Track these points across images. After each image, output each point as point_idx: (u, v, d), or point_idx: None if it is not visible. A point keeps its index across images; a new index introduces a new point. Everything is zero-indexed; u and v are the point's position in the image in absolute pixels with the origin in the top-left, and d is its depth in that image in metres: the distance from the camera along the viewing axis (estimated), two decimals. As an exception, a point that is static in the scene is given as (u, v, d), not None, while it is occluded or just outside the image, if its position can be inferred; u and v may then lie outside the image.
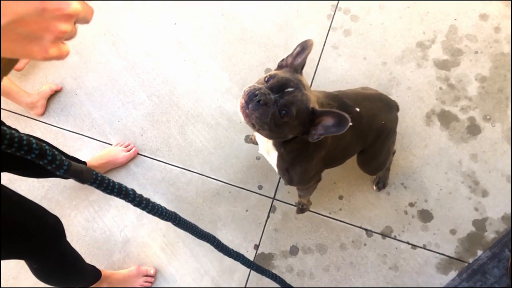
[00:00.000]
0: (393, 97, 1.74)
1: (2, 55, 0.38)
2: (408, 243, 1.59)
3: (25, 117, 1.93)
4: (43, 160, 0.50)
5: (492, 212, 1.58)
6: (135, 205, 0.65)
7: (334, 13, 1.92)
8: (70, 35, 0.41)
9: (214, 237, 0.81)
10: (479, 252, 1.54)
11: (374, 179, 1.65)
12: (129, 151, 1.80)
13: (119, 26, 2.00)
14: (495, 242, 1.52)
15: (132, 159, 1.81)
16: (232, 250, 0.83)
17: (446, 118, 1.71)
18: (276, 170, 1.26)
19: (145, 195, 1.80)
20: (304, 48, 1.06)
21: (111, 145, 1.84)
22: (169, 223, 1.73)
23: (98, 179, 0.58)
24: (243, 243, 1.66)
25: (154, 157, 1.81)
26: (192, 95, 1.88)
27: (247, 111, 0.96)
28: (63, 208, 1.79)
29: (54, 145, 1.60)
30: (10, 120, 1.92)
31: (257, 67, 1.89)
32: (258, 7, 1.97)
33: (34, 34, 0.38)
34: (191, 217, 1.71)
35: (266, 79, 1.00)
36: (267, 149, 1.22)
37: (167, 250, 1.70)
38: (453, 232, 1.58)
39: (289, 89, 0.96)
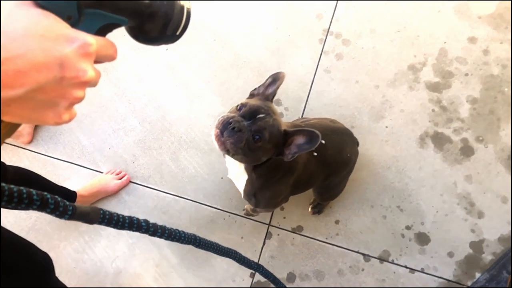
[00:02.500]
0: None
1: (19, 121, 0.42)
2: (406, 267, 1.71)
3: (12, 146, 2.05)
4: (45, 209, 0.51)
5: (488, 234, 1.72)
6: (151, 234, 0.68)
7: (326, 38, 2.10)
8: (81, 100, 0.45)
9: (235, 252, 0.89)
10: (477, 275, 1.66)
11: (313, 200, 1.79)
12: (120, 178, 1.91)
13: (110, 52, 2.14)
14: (492, 264, 1.64)
15: (123, 187, 1.92)
16: (253, 261, 0.93)
17: (439, 140, 1.86)
18: (242, 194, 1.40)
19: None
20: (275, 79, 1.22)
21: (102, 173, 1.96)
22: (163, 254, 1.83)
23: (106, 217, 0.61)
24: (238, 271, 1.76)
25: (146, 185, 1.93)
26: (185, 120, 2.02)
27: (222, 139, 1.09)
28: (52, 239, 1.89)
29: (43, 174, 1.70)
30: (-3, 149, 2.03)
31: (250, 91, 2.04)
32: (250, 32, 2.15)
33: (52, 101, 0.42)
34: (184, 246, 1.80)
35: (238, 107, 1.14)
36: (237, 174, 1.34)
37: (161, 281, 1.79)
38: (450, 254, 1.71)
39: (261, 115, 1.10)
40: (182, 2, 0.53)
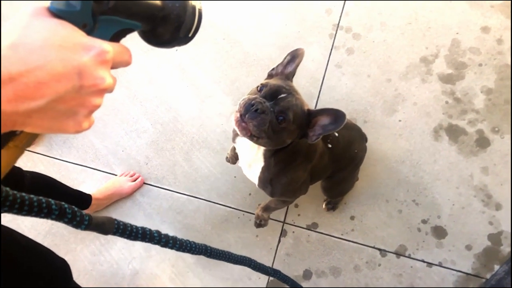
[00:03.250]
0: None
1: (40, 132, 0.44)
2: (424, 261, 1.74)
3: (27, 151, 2.12)
4: (63, 219, 0.54)
5: (506, 225, 1.74)
6: (162, 245, 0.71)
7: (336, 32, 2.13)
8: (99, 107, 0.47)
9: (249, 259, 0.91)
10: (496, 267, 1.69)
11: (326, 198, 1.82)
12: (134, 180, 1.97)
13: (120, 55, 2.21)
14: (511, 255, 1.66)
15: (138, 189, 1.98)
16: (269, 267, 0.95)
17: (454, 132, 1.89)
18: (257, 182, 1.37)
19: (152, 225, 1.97)
20: (294, 57, 1.20)
21: (116, 175, 2.02)
22: (178, 254, 1.88)
23: (121, 227, 0.64)
24: (255, 269, 1.81)
25: (160, 186, 1.99)
26: (196, 121, 2.07)
27: (243, 123, 1.06)
28: (69, 243, 1.96)
29: (58, 178, 1.77)
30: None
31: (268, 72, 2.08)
32: (259, 30, 2.19)
33: (71, 110, 0.43)
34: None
35: (259, 88, 1.12)
36: (251, 161, 1.31)
37: (177, 281, 1.85)
38: (468, 247, 1.73)
39: (282, 95, 1.08)
40: (193, 3, 0.54)
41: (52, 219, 0.54)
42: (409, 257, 1.75)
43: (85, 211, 1.69)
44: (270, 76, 1.25)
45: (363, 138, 1.64)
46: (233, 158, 1.74)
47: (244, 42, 2.20)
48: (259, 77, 2.11)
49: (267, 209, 1.66)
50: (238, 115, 1.08)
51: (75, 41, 0.42)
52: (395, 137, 1.91)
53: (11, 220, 1.82)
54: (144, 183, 2.00)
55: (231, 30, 2.22)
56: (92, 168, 2.06)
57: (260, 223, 1.77)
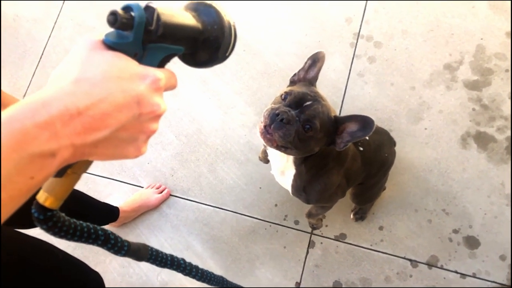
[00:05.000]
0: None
1: (103, 160, 0.45)
2: (457, 272, 1.63)
3: (55, 165, 2.07)
4: (107, 245, 0.55)
5: (542, 235, 1.62)
6: (186, 274, 0.71)
7: (357, 41, 2.04)
8: (156, 132, 0.48)
9: None
10: (533, 278, 1.57)
11: (355, 207, 1.72)
12: (161, 192, 1.90)
13: (144, 68, 2.15)
14: (548, 266, 1.55)
15: (164, 200, 1.91)
16: None
17: (482, 140, 1.78)
18: (290, 190, 1.30)
19: (179, 237, 1.90)
20: (315, 60, 1.14)
21: (142, 187, 1.95)
22: (207, 265, 1.80)
23: (154, 254, 0.64)
24: (283, 281, 1.72)
25: (186, 197, 1.92)
26: (220, 132, 2.00)
27: (268, 135, 1.01)
28: (98, 255, 1.89)
29: (85, 191, 1.71)
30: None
31: (289, 78, 2.00)
32: (279, 40, 2.11)
33: (132, 137, 0.45)
34: (227, 257, 1.79)
35: (283, 97, 1.05)
36: (283, 169, 1.25)
37: (206, 292, 1.76)
38: (503, 258, 1.62)
39: (308, 103, 1.01)
40: (227, 19, 0.54)
41: (97, 245, 0.55)
42: (441, 268, 1.65)
43: (112, 224, 1.66)
44: (292, 82, 1.19)
45: (391, 142, 1.55)
46: (265, 158, 1.66)
47: (265, 53, 2.12)
48: (281, 87, 2.03)
49: (310, 215, 1.59)
50: (262, 126, 1.02)
51: (131, 72, 0.43)
52: (421, 146, 1.81)
53: (41, 233, 1.76)
54: (171, 195, 1.94)
55: (251, 41, 2.15)
56: (119, 180, 2.00)
57: (313, 227, 1.73)
